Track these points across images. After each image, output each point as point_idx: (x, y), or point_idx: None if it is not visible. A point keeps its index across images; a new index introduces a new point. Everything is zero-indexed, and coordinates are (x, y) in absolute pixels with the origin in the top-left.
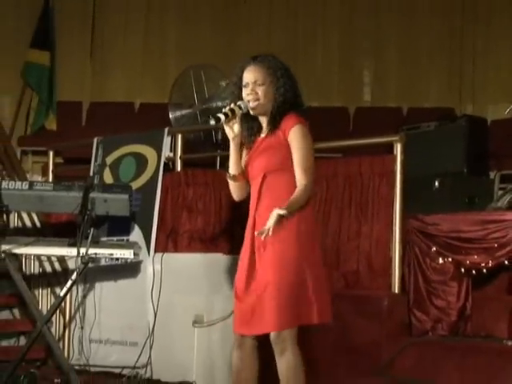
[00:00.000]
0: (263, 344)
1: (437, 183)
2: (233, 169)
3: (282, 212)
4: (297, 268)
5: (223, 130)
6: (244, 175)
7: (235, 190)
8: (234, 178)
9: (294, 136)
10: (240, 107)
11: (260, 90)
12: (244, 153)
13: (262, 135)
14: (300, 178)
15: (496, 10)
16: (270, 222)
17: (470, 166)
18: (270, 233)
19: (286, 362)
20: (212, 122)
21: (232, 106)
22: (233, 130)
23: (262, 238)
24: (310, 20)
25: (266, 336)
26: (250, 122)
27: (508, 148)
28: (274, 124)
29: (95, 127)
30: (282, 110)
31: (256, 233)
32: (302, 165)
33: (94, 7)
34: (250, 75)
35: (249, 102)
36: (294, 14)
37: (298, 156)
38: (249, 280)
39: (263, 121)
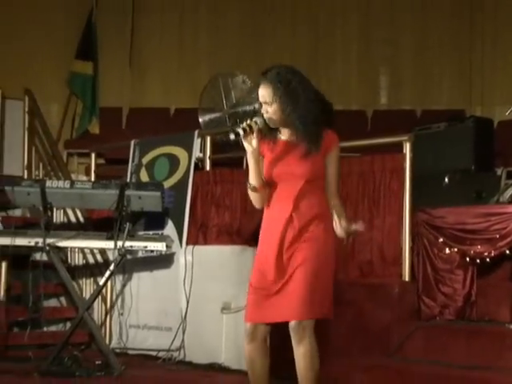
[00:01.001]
0: (274, 332)
1: (447, 179)
2: (254, 181)
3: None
4: (327, 265)
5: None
6: (264, 186)
7: (256, 200)
8: (254, 189)
9: (335, 156)
10: (256, 123)
11: (269, 108)
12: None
13: (284, 138)
14: (335, 196)
15: (501, 22)
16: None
17: (478, 163)
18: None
19: (303, 349)
20: (232, 137)
21: (249, 121)
22: (251, 145)
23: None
24: (330, 30)
25: (277, 325)
26: (272, 131)
27: None
28: (315, 146)
29: (134, 131)
30: (312, 128)
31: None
32: (336, 185)
33: (132, 22)
34: (260, 93)
35: (263, 119)
36: (316, 24)
37: (335, 177)
38: (277, 272)
39: (284, 130)
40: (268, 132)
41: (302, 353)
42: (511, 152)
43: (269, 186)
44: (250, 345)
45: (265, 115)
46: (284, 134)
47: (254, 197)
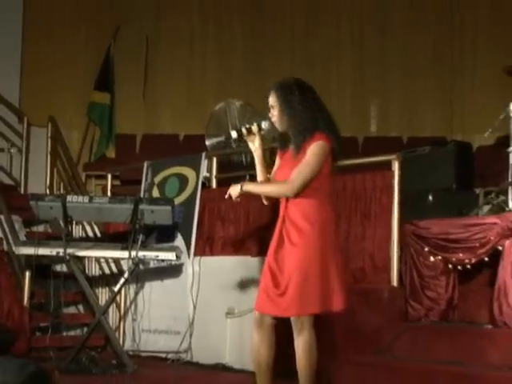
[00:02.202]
0: (282, 323)
1: (431, 197)
2: (259, 176)
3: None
4: (321, 258)
5: (251, 152)
6: (269, 181)
7: (263, 196)
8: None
9: (309, 151)
10: (259, 126)
11: (274, 112)
12: (277, 161)
13: (291, 147)
14: (285, 180)
15: (479, 62)
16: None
17: (458, 183)
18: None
19: (302, 341)
20: (234, 135)
21: (248, 125)
22: (253, 144)
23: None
24: (326, 68)
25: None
26: (283, 136)
27: (490, 169)
28: (298, 149)
29: (147, 155)
30: (300, 134)
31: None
32: (296, 173)
33: (146, 58)
34: (269, 100)
35: (267, 123)
36: (312, 61)
37: (300, 166)
38: (276, 267)
39: (289, 134)
40: (281, 138)
41: (300, 343)
42: (489, 174)
43: None
44: (256, 331)
45: (272, 119)
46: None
47: None
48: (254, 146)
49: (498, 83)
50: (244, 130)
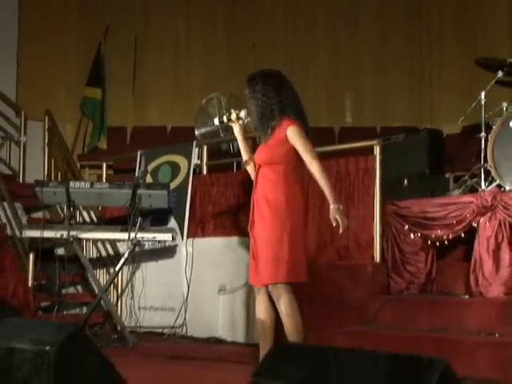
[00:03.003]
0: None
1: (406, 181)
2: (243, 156)
3: (337, 206)
4: (291, 230)
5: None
6: (252, 159)
7: (250, 172)
8: (245, 162)
9: (293, 136)
10: (237, 115)
11: (250, 104)
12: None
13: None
14: (311, 164)
15: (446, 56)
16: (340, 217)
17: (431, 168)
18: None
19: (283, 305)
20: (216, 122)
21: (229, 114)
22: (235, 128)
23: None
24: (304, 62)
25: None
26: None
27: (458, 156)
28: (266, 131)
29: (137, 146)
30: (270, 118)
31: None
32: (308, 156)
33: (134, 55)
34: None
35: (246, 114)
36: (290, 56)
37: (303, 151)
38: (253, 241)
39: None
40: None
41: (281, 309)
42: (457, 161)
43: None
44: (256, 298)
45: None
46: None
47: (248, 170)
48: (236, 130)
49: (462, 77)
50: (225, 118)
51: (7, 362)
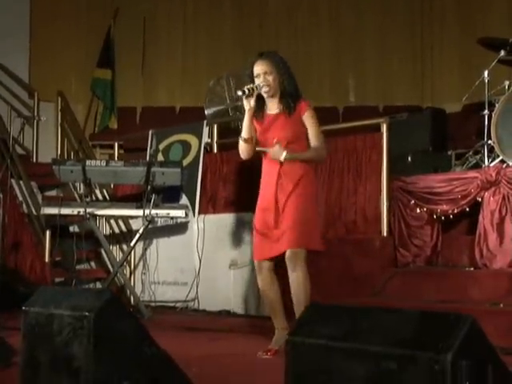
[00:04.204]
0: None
1: (410, 158)
2: (245, 133)
3: (287, 156)
4: (310, 209)
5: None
6: (252, 139)
7: (244, 151)
8: (245, 140)
9: (309, 118)
10: (257, 87)
11: (270, 78)
12: (257, 128)
13: (270, 112)
14: (315, 144)
15: (446, 36)
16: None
17: (434, 145)
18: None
19: (296, 276)
20: (239, 93)
21: (252, 85)
22: (250, 104)
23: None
24: (308, 43)
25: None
26: (259, 101)
27: (460, 134)
28: (290, 109)
29: (146, 126)
30: (294, 97)
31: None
32: (316, 139)
33: (143, 37)
34: (259, 68)
35: (262, 87)
36: (295, 38)
37: (314, 134)
38: (276, 219)
39: (272, 101)
40: (257, 108)
41: (295, 277)
42: (458, 138)
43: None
44: (259, 276)
45: (264, 84)
46: (270, 109)
47: (243, 147)
48: (250, 105)
49: (463, 56)
50: (246, 90)
51: (47, 328)
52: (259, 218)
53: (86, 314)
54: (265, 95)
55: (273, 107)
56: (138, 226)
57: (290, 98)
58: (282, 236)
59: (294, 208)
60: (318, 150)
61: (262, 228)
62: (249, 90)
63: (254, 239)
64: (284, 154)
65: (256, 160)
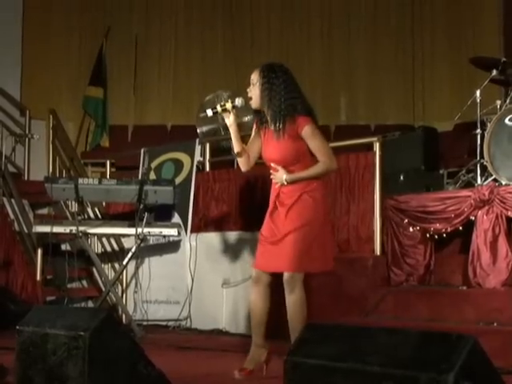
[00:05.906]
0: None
1: (402, 177)
2: (235, 147)
3: (287, 178)
4: (313, 226)
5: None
6: (245, 152)
7: (240, 164)
8: (237, 154)
9: (308, 133)
10: (233, 103)
11: (253, 89)
12: (256, 136)
13: (269, 127)
14: (321, 160)
15: (437, 56)
16: (279, 179)
17: (426, 164)
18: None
19: (293, 298)
20: (209, 113)
21: (223, 103)
22: (229, 120)
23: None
24: (299, 62)
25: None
26: (259, 113)
27: (451, 153)
28: (276, 128)
29: (138, 144)
30: (283, 114)
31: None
32: (321, 154)
33: (135, 55)
34: (251, 77)
35: (235, 101)
36: (286, 56)
37: (318, 149)
38: (272, 231)
39: (267, 114)
40: (257, 114)
41: (292, 301)
42: (449, 157)
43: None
44: (254, 288)
45: (248, 94)
46: (269, 123)
47: (239, 161)
48: (229, 121)
49: (453, 76)
50: (219, 108)
51: (42, 347)
52: (265, 226)
53: (82, 333)
54: (252, 105)
55: (269, 121)
56: (130, 244)
57: (277, 114)
58: (281, 253)
59: (293, 230)
60: (322, 165)
61: (263, 238)
62: (222, 108)
63: (258, 245)
64: (284, 177)
65: (249, 178)
